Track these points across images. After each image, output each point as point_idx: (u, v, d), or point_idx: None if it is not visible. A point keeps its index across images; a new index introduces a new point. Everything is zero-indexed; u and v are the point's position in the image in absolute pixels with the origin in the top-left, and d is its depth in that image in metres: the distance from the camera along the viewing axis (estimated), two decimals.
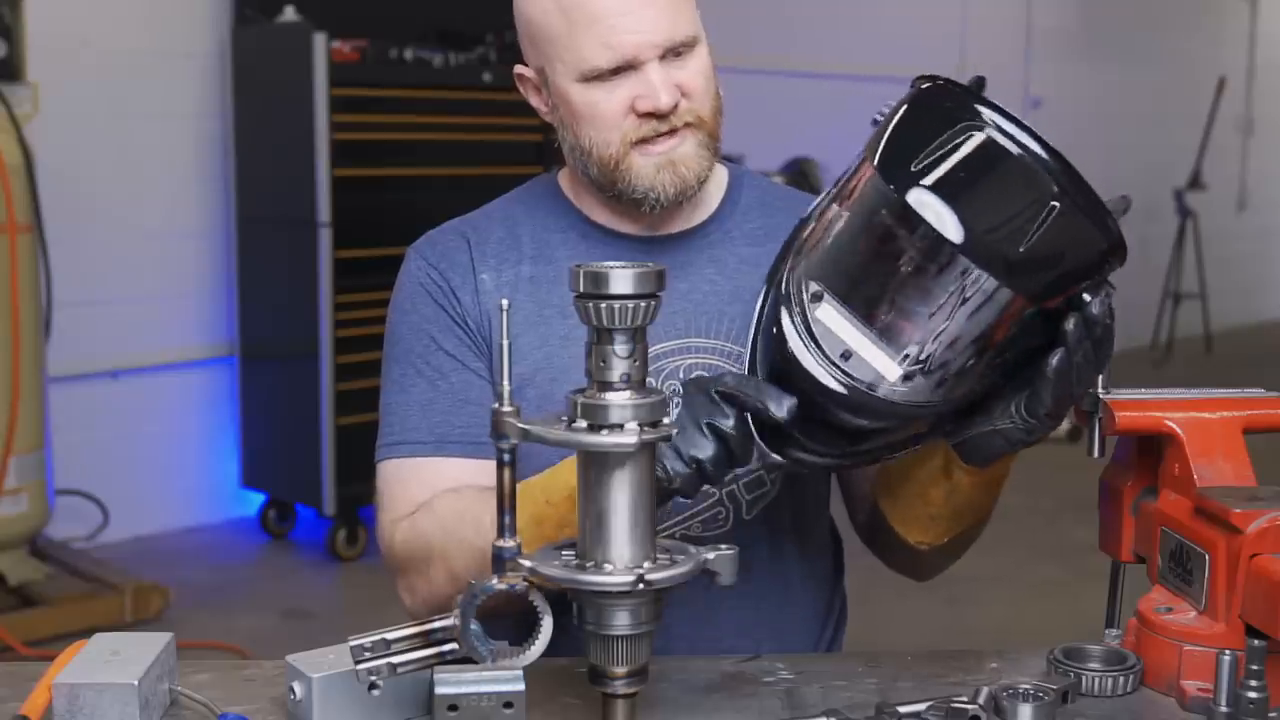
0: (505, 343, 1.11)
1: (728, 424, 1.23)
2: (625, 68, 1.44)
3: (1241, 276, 10.39)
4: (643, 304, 1.10)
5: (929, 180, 1.15)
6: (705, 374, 1.47)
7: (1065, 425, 1.33)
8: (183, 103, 4.98)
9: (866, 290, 1.19)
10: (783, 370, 1.24)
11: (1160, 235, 9.16)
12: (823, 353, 1.21)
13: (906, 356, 1.18)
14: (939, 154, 1.16)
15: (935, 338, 1.17)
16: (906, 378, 1.19)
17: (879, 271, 1.18)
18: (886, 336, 1.19)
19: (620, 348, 1.11)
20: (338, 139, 4.64)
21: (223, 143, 5.04)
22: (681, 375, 1.51)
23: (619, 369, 1.11)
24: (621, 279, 1.09)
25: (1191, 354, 8.98)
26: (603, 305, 1.09)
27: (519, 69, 1.56)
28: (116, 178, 4.80)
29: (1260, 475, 1.29)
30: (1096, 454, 1.34)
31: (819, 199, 1.29)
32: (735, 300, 1.52)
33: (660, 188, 1.48)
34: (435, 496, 1.47)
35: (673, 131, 1.47)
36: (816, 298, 1.21)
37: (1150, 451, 1.35)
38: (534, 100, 1.56)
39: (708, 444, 1.23)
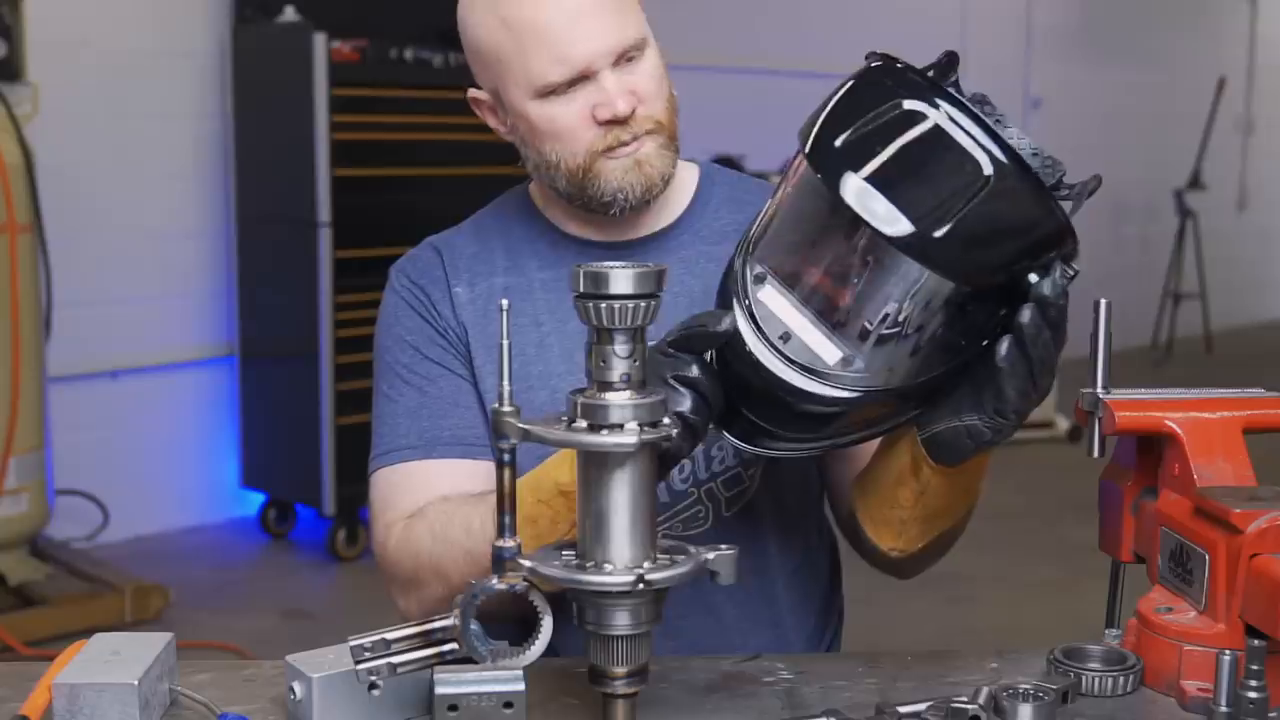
0: (505, 342, 1.11)
1: (692, 371, 1.22)
2: (579, 79, 1.45)
3: (1241, 276, 10.39)
4: (643, 304, 1.10)
5: (852, 160, 1.13)
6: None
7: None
8: (183, 103, 4.98)
9: (802, 272, 1.19)
10: (727, 352, 1.23)
11: (1160, 235, 9.17)
12: (764, 335, 1.21)
13: (844, 338, 1.18)
14: (864, 132, 1.13)
15: (873, 320, 1.16)
16: (845, 361, 1.19)
17: (810, 253, 1.18)
18: (824, 318, 1.18)
19: (620, 348, 1.11)
20: (338, 139, 4.64)
21: (223, 143, 5.04)
22: None
23: (619, 369, 1.11)
24: (622, 279, 1.09)
25: (1191, 354, 8.98)
26: (603, 305, 1.09)
27: (472, 93, 1.56)
28: (116, 178, 4.80)
29: (1260, 475, 1.29)
30: (1096, 454, 1.33)
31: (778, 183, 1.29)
32: (705, 298, 1.52)
33: (628, 188, 1.49)
34: (427, 504, 1.48)
35: (635, 139, 1.48)
36: (759, 279, 1.22)
37: (1150, 451, 1.35)
38: (491, 121, 1.56)
39: (683, 396, 1.21)
